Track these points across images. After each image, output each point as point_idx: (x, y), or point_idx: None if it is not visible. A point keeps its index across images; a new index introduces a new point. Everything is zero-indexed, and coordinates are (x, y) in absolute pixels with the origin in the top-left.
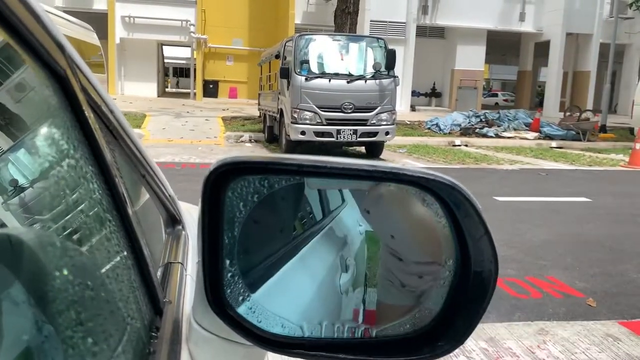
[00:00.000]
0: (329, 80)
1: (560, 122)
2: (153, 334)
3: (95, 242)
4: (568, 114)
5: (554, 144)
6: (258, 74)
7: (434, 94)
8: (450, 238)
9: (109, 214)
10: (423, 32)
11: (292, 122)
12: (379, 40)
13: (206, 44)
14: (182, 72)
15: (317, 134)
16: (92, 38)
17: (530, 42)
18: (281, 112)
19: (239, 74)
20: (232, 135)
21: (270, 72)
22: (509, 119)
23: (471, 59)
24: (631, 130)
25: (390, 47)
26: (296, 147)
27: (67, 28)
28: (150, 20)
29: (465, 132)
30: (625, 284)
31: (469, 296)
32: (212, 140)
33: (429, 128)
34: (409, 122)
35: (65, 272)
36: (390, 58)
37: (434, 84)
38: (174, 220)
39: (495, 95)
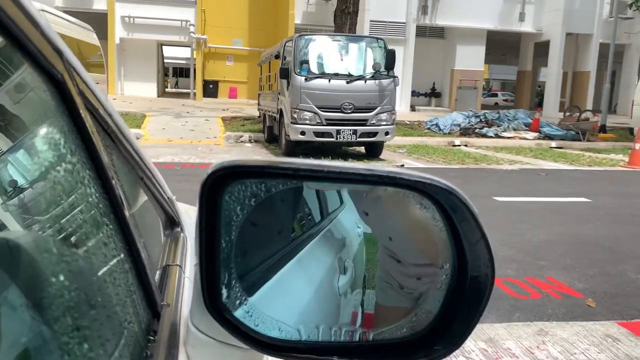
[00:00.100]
0: (329, 81)
1: (560, 122)
2: (150, 337)
3: (92, 246)
4: (568, 114)
5: (553, 144)
6: (258, 74)
7: (433, 94)
8: (447, 242)
9: (106, 217)
10: (423, 32)
11: (291, 122)
12: (379, 40)
13: (206, 44)
14: (181, 72)
15: (317, 134)
16: (92, 38)
17: (530, 42)
18: (281, 112)
19: (238, 74)
20: (232, 136)
21: (270, 72)
22: (508, 119)
23: (471, 59)
24: (631, 130)
25: (389, 47)
26: (296, 147)
27: (67, 28)
28: (150, 20)
29: (465, 132)
30: (624, 284)
31: (466, 300)
32: (211, 141)
33: (428, 128)
34: (408, 122)
35: (62, 276)
36: (390, 58)
37: (434, 84)
38: (172, 223)
39: (495, 95)
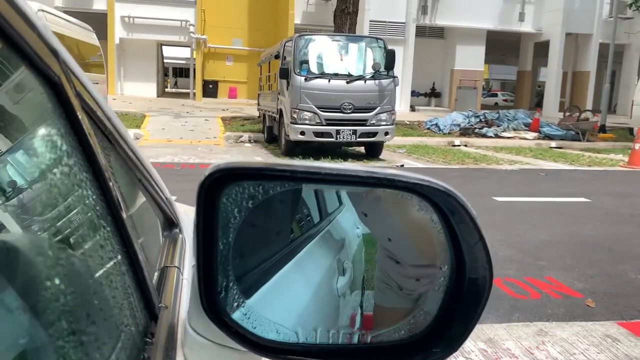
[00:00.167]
0: (329, 81)
1: (559, 122)
2: (148, 339)
3: (88, 248)
4: (567, 114)
5: (553, 144)
6: (258, 74)
7: (433, 94)
8: (445, 244)
9: (103, 219)
10: (422, 32)
11: (291, 123)
12: (379, 40)
13: (206, 44)
14: (180, 72)
15: (317, 134)
16: (92, 38)
17: (530, 42)
18: (281, 113)
19: (238, 74)
20: (232, 136)
21: (269, 72)
22: (508, 119)
23: (471, 59)
24: (630, 130)
25: (389, 47)
26: (296, 147)
27: (66, 28)
28: (149, 20)
29: (465, 132)
30: (624, 284)
31: (464, 302)
32: (211, 141)
33: (428, 128)
34: (408, 122)
35: (59, 278)
36: (390, 58)
37: (434, 84)
38: (171, 224)
39: (495, 95)
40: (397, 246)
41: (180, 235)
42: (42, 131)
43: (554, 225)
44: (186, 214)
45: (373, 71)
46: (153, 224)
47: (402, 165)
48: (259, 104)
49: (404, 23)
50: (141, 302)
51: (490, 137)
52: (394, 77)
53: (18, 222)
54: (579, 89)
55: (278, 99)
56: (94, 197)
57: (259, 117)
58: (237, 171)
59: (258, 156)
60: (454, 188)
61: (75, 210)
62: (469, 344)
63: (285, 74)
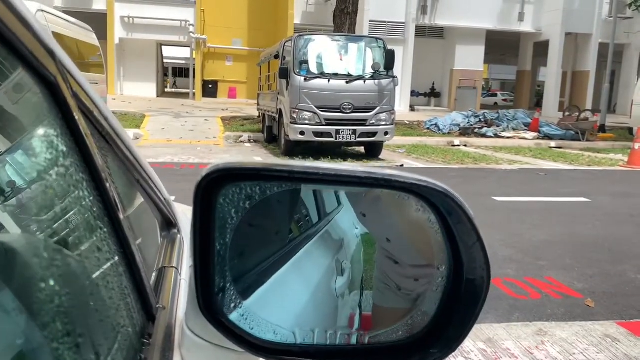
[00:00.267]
0: (328, 81)
1: (559, 122)
2: (145, 340)
3: (86, 249)
4: (567, 113)
5: (553, 144)
6: (257, 74)
7: (433, 94)
8: (443, 244)
9: (100, 220)
10: (422, 32)
11: (291, 123)
12: (378, 40)
13: (205, 44)
14: (179, 72)
15: (316, 134)
16: (92, 38)
17: (530, 42)
18: (280, 113)
19: (238, 74)
20: (232, 136)
21: (269, 72)
22: (508, 119)
23: (470, 59)
24: (630, 130)
25: (389, 47)
26: (295, 147)
27: (66, 28)
28: (149, 20)
29: (465, 132)
30: (623, 284)
31: (462, 303)
32: (211, 141)
33: (428, 128)
34: (408, 122)
35: (56, 280)
36: (389, 58)
37: (433, 84)
38: (169, 224)
39: (495, 95)
40: (396, 246)
41: (179, 236)
42: (38, 132)
43: (554, 225)
44: (185, 214)
45: (373, 71)
46: (151, 225)
47: (402, 165)
48: (258, 104)
49: (403, 23)
50: (138, 303)
51: (490, 137)
52: (394, 77)
53: (15, 223)
54: (579, 89)
55: (278, 99)
56: (91, 198)
57: (259, 117)
58: (235, 172)
59: (258, 156)
60: (453, 188)
61: (72, 211)
62: (468, 344)
63: (284, 74)
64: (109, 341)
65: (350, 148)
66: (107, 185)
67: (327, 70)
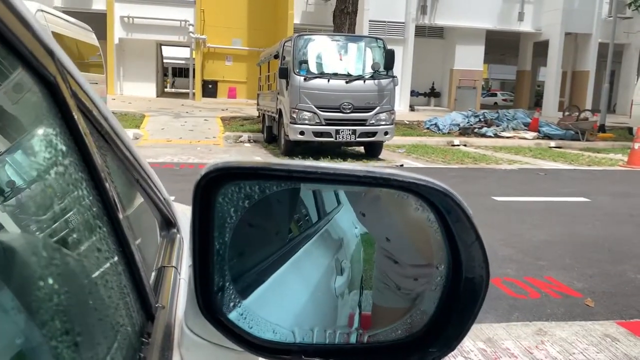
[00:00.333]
0: (328, 81)
1: (559, 121)
2: (144, 339)
3: (84, 248)
4: (567, 113)
5: (552, 143)
6: (257, 74)
7: (433, 94)
8: (442, 243)
9: (99, 219)
10: (422, 32)
11: (291, 122)
12: (378, 40)
13: (205, 44)
14: (178, 72)
15: (316, 134)
16: (91, 38)
17: (529, 41)
18: (280, 112)
19: (238, 74)
20: (231, 136)
21: (269, 72)
22: (507, 119)
23: (470, 58)
24: (630, 129)
25: (389, 47)
26: (295, 147)
27: (65, 28)
28: (149, 20)
29: (464, 132)
30: (623, 284)
31: (461, 302)
32: (211, 141)
33: (427, 128)
34: (407, 122)
35: (55, 279)
36: (389, 58)
37: (433, 83)
38: (168, 224)
39: (494, 95)
40: (396, 246)
41: (178, 235)
42: (37, 131)
43: (554, 225)
44: (184, 214)
45: (372, 71)
46: (150, 224)
47: (402, 165)
48: (258, 104)
49: (403, 23)
50: (138, 302)
51: (490, 136)
52: (393, 76)
53: (15, 222)
54: (579, 89)
55: (277, 98)
56: (90, 197)
57: (259, 117)
58: (234, 170)
59: (257, 156)
60: (453, 188)
61: (71, 211)
62: (468, 344)
63: (284, 73)
64: (108, 340)
65: (350, 148)
66: (107, 184)
67: (326, 70)
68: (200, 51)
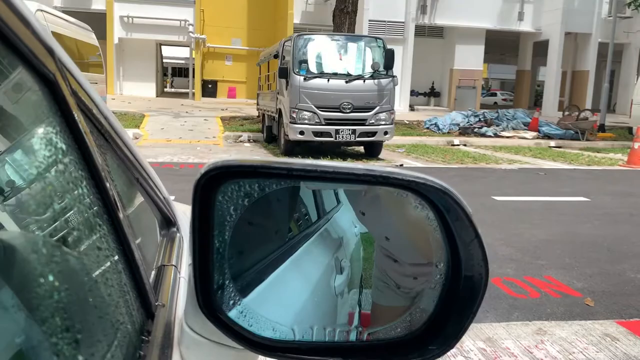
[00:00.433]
0: (328, 80)
1: (559, 121)
2: (144, 337)
3: (85, 247)
4: (567, 113)
5: (552, 143)
6: (257, 74)
7: (432, 94)
8: (441, 241)
9: (99, 218)
10: (422, 31)
11: (290, 122)
12: (378, 40)
13: (205, 44)
14: (177, 71)
15: (316, 133)
16: (91, 38)
17: (529, 41)
18: (280, 112)
19: (237, 74)
20: (231, 135)
21: (269, 72)
22: (507, 119)
23: (470, 58)
24: (630, 129)
25: (388, 46)
26: (295, 147)
27: (65, 28)
28: (148, 20)
29: (464, 131)
30: (623, 283)
31: (460, 300)
32: (210, 140)
33: (427, 128)
34: (407, 122)
35: (55, 277)
36: (389, 58)
37: (433, 83)
38: (168, 223)
39: (494, 94)
40: (395, 245)
41: (178, 234)
42: (37, 130)
43: (553, 224)
44: (184, 214)
45: (372, 71)
46: (150, 223)
47: (401, 165)
48: (258, 104)
49: (403, 22)
50: (138, 300)
51: (490, 136)
52: (393, 76)
53: (15, 220)
54: (578, 88)
55: (277, 98)
56: (90, 196)
57: (258, 116)
58: (233, 169)
59: (257, 156)
60: (452, 186)
61: (71, 209)
62: (468, 343)
63: (284, 73)
64: (109, 337)
65: (349, 148)
66: (107, 183)
67: (326, 70)
68: (200, 51)
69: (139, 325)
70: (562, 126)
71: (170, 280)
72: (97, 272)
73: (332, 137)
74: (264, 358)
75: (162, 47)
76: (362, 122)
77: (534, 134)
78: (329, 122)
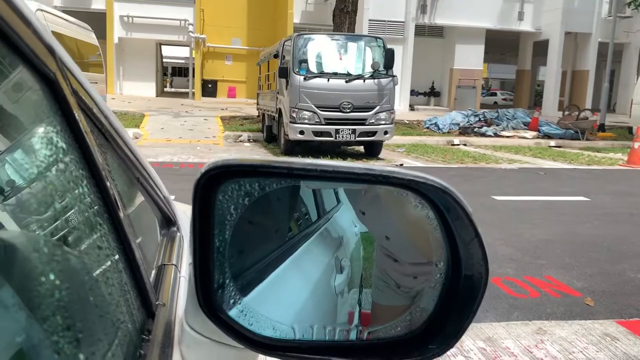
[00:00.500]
0: (328, 80)
1: (559, 121)
2: (144, 336)
3: (85, 246)
4: (567, 113)
5: (552, 143)
6: (257, 74)
7: (432, 93)
8: (441, 240)
9: (100, 217)
10: (422, 31)
11: (290, 122)
12: (378, 39)
13: (205, 44)
14: (177, 71)
15: (316, 133)
16: (91, 38)
17: (529, 41)
18: (280, 112)
19: (237, 74)
20: (231, 135)
21: (269, 71)
22: (507, 118)
23: (470, 58)
24: (630, 129)
25: (388, 46)
26: (295, 146)
27: (65, 28)
28: (148, 19)
29: (464, 131)
30: (623, 283)
31: (460, 299)
32: (210, 140)
33: (427, 127)
34: (407, 122)
35: (56, 276)
36: (389, 57)
37: (433, 83)
38: (168, 222)
39: (494, 94)
40: (395, 244)
41: (178, 234)
42: (38, 129)
43: (553, 224)
44: (184, 213)
45: (372, 70)
46: (151, 222)
47: (401, 165)
48: (258, 104)
49: (403, 22)
50: (138, 299)
51: (490, 136)
52: (393, 76)
53: (15, 220)
54: (578, 88)
55: (277, 98)
56: (91, 195)
57: (258, 116)
58: (233, 168)
59: (257, 155)
60: (452, 186)
61: (72, 209)
62: (467, 343)
63: (284, 73)
64: (109, 336)
65: (349, 147)
66: (107, 182)
67: (326, 70)
68: (200, 50)
69: (140, 324)
70: (562, 126)
71: (171, 280)
72: (97, 271)
73: (332, 137)
74: (264, 357)
75: (162, 46)
76: (362, 121)
77: (534, 133)
78: (329, 121)
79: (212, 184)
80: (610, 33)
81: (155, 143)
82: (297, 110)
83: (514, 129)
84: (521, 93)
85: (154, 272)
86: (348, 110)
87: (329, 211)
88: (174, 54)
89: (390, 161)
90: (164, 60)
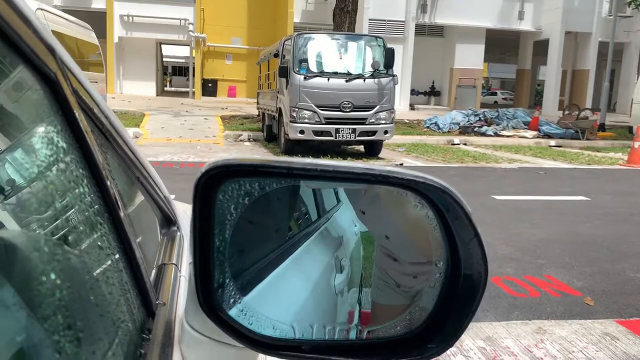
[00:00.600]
0: (328, 79)
1: (559, 120)
2: (145, 336)
3: (86, 246)
4: (567, 112)
5: (552, 142)
6: (257, 73)
7: (433, 93)
8: (440, 240)
9: (100, 216)
10: (422, 30)
11: (290, 121)
12: (378, 39)
13: (205, 43)
14: (177, 70)
15: (316, 133)
16: (91, 37)
17: (529, 40)
18: (280, 111)
19: (237, 73)
20: (231, 134)
21: (269, 71)
22: (507, 118)
23: (470, 57)
24: (630, 128)
25: (389, 45)
26: (295, 146)
27: (65, 27)
28: (148, 19)
29: (464, 130)
30: (623, 282)
31: (459, 299)
32: (210, 139)
33: (427, 127)
34: (407, 121)
35: (56, 275)
36: (389, 57)
37: (433, 82)
38: (168, 221)
39: (494, 93)
40: (395, 244)
41: (178, 233)
42: (38, 129)
43: (553, 223)
44: (185, 213)
45: (372, 70)
46: (151, 222)
47: (401, 164)
48: (258, 103)
49: (403, 21)
50: (138, 298)
51: (490, 135)
52: (393, 75)
53: (16, 219)
54: (579, 88)
55: (277, 97)
56: (91, 194)
57: (258, 115)
58: (234, 168)
59: (257, 155)
60: (452, 186)
61: (72, 208)
62: (467, 342)
63: (284, 72)
64: (110, 336)
65: (349, 147)
66: (108, 182)
67: (326, 69)
68: (200, 50)
69: (140, 323)
70: (562, 125)
71: (171, 279)
72: (98, 271)
73: (332, 136)
74: (264, 356)
75: (162, 45)
76: (362, 121)
77: (534, 133)
78: (329, 121)
79: (212, 183)
80: (611, 32)
81: (155, 142)
82: (297, 109)
83: (514, 128)
84: (521, 92)
85: (154, 271)
86: (348, 110)
87: (329, 211)
88: (174, 53)
89: (390, 161)
90: (164, 59)
